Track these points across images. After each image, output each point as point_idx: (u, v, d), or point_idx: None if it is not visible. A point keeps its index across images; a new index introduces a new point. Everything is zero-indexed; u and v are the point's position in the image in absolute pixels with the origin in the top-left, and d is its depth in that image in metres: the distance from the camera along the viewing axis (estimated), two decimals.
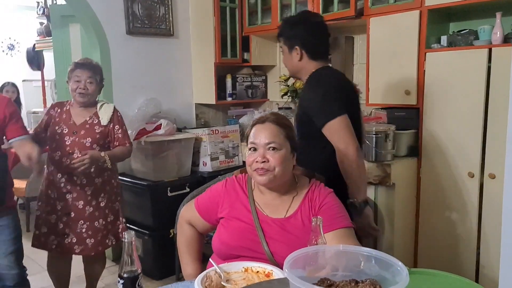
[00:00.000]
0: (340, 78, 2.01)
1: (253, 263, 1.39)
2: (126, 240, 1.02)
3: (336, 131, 1.80)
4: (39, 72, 5.83)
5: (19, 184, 3.79)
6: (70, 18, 3.81)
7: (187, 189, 3.18)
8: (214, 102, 3.73)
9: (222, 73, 3.78)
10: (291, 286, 0.88)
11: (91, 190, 2.43)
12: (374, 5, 2.82)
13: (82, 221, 2.42)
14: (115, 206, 2.55)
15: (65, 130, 2.40)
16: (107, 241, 2.51)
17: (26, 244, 2.36)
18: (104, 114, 2.47)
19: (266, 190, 1.54)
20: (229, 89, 3.82)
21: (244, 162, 2.84)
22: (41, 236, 2.44)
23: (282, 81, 3.64)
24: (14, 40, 6.13)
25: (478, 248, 2.51)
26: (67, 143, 2.38)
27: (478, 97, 2.41)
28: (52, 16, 4.07)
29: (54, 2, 4.75)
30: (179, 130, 3.54)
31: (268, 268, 1.36)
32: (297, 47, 1.97)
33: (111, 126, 2.47)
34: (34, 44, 5.54)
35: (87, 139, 2.40)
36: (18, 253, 2.24)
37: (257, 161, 1.46)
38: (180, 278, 1.64)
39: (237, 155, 3.46)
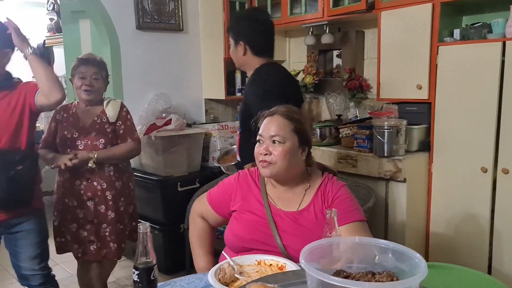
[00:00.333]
0: (282, 75, 2.13)
1: (266, 256, 1.39)
2: (141, 231, 1.02)
3: None
4: None
5: None
6: (80, 13, 3.81)
7: (197, 184, 3.19)
8: (223, 97, 3.72)
9: (231, 68, 3.77)
10: (307, 277, 0.88)
11: (112, 194, 2.33)
12: None
13: (105, 225, 2.32)
14: (133, 208, 2.48)
15: (75, 134, 2.29)
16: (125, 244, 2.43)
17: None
18: (111, 111, 2.36)
19: (277, 183, 1.54)
20: (238, 84, 3.81)
21: None
22: (65, 244, 2.35)
23: None
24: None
25: (491, 243, 2.48)
26: (80, 147, 2.27)
27: (491, 91, 2.38)
28: (62, 12, 4.06)
29: None
30: (189, 125, 3.54)
31: (282, 261, 1.35)
32: (241, 42, 2.08)
33: (118, 123, 2.36)
34: (44, 40, 5.56)
35: (100, 140, 2.29)
36: (42, 257, 2.17)
37: (261, 153, 1.47)
38: (190, 273, 1.64)
39: None
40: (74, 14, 3.86)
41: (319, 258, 1.00)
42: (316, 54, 3.58)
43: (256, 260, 1.37)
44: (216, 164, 2.84)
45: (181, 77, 3.73)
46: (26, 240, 2.09)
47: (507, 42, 2.31)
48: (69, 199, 2.31)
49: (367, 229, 1.47)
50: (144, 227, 1.03)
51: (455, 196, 2.60)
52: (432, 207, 2.72)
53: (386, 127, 2.57)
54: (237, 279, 1.27)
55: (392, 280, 0.89)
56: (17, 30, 1.95)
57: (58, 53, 5.53)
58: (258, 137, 1.52)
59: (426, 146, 2.71)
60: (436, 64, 2.58)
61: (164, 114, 3.37)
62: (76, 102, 2.41)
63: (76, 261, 2.43)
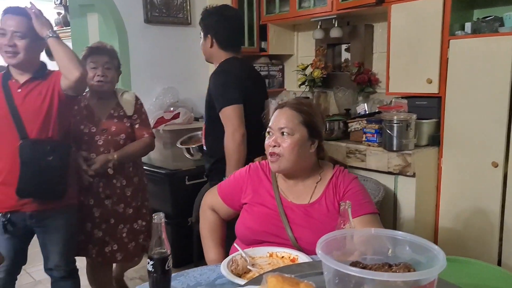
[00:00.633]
0: (244, 69, 2.23)
1: (278, 248, 1.39)
2: (155, 221, 1.02)
3: (228, 116, 2.04)
4: None
5: None
6: (88, 7, 3.81)
7: (205, 178, 3.17)
8: None
9: None
10: (324, 267, 0.87)
11: (131, 190, 2.25)
12: None
13: (122, 225, 2.23)
14: (148, 205, 2.40)
15: (93, 129, 2.16)
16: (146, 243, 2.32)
17: None
18: (127, 104, 2.25)
19: (286, 177, 1.53)
20: None
21: None
22: (79, 244, 2.20)
23: (300, 70, 3.61)
24: None
25: (501, 239, 2.47)
26: (99, 143, 2.14)
27: (503, 86, 2.36)
28: (70, 5, 4.07)
29: None
30: (196, 119, 3.54)
31: (294, 253, 1.35)
32: (209, 35, 2.20)
33: (134, 116, 2.25)
34: None
35: (121, 135, 2.18)
36: (69, 253, 2.11)
37: (270, 145, 1.48)
38: (198, 266, 1.63)
39: None
40: (82, 8, 3.86)
41: (333, 250, 1.00)
42: (325, 48, 3.56)
43: (268, 252, 1.37)
44: (179, 146, 2.99)
45: (189, 71, 3.72)
46: (55, 235, 2.02)
47: None
48: (85, 197, 2.19)
49: (379, 222, 1.46)
50: (158, 217, 1.03)
51: (465, 191, 2.58)
52: (441, 202, 2.70)
53: (395, 121, 2.55)
54: (249, 270, 1.27)
55: (409, 271, 0.88)
56: (38, 14, 1.89)
57: None
58: (268, 129, 1.52)
59: (436, 140, 2.69)
60: (447, 58, 2.56)
61: (172, 108, 3.37)
62: (86, 94, 2.25)
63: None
